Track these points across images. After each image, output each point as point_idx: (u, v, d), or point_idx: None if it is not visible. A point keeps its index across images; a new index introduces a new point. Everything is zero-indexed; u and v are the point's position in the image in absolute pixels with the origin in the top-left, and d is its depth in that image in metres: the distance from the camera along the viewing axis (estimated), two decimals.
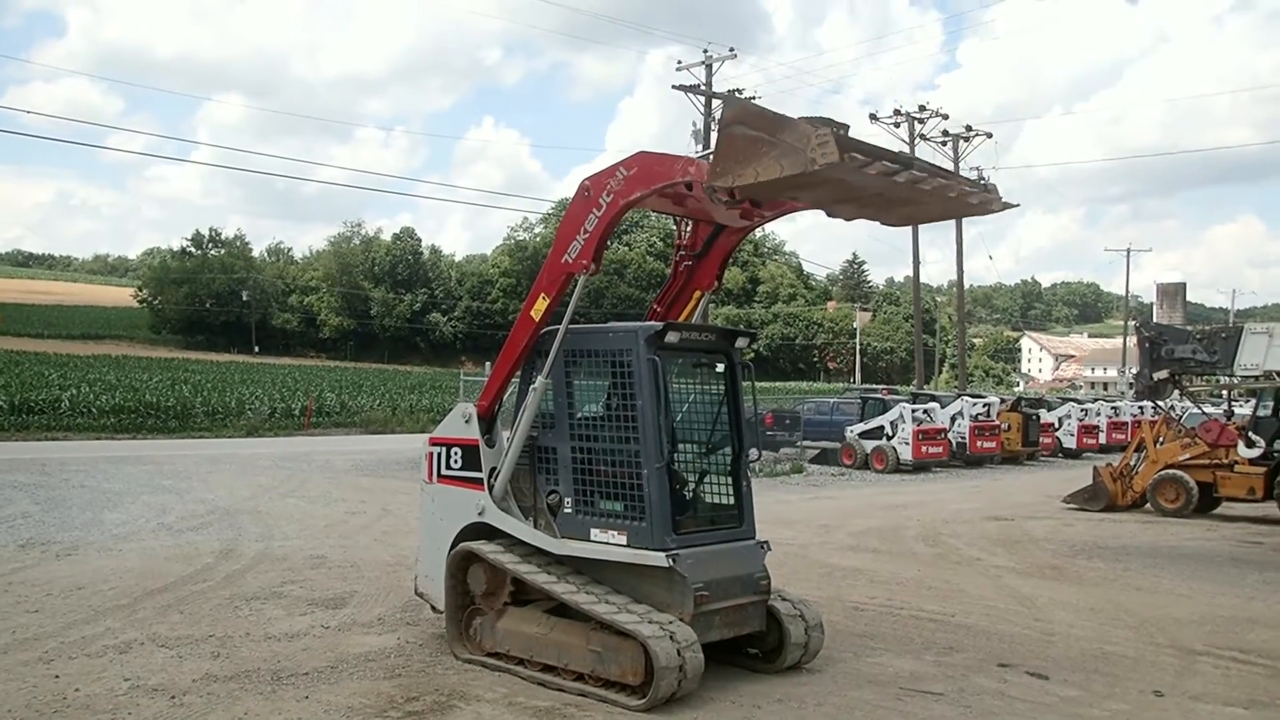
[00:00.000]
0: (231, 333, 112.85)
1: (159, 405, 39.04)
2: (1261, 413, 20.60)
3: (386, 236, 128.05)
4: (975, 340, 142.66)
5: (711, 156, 7.26)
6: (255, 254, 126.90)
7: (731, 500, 8.77)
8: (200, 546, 13.95)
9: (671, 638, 7.45)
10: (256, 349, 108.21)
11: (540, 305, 8.51)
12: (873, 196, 7.34)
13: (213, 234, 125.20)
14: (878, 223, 8.17)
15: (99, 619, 9.81)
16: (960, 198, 7.56)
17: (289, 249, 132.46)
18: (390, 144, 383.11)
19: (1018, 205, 8.31)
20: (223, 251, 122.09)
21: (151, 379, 52.82)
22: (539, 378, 8.46)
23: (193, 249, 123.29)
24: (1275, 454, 19.32)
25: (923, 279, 54.12)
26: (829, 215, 7.89)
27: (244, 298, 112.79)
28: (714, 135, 40.10)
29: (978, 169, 50.91)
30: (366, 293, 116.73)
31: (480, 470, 8.84)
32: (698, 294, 9.18)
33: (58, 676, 7.96)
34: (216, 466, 24.51)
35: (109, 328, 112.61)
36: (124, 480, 21.06)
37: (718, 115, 39.82)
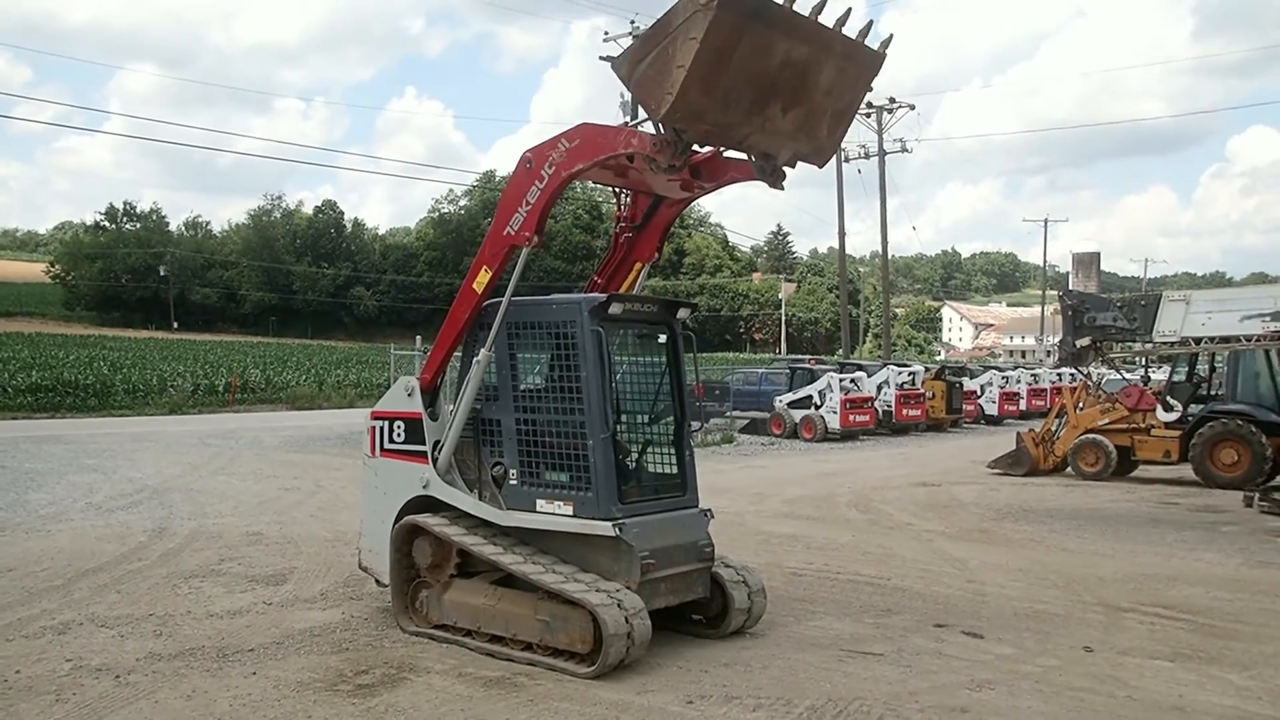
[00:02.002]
0: (149, 309, 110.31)
1: (77, 383, 38.21)
2: (1177, 378, 21.28)
3: (308, 209, 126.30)
4: (898, 310, 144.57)
5: (643, 112, 7.29)
6: (172, 228, 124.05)
7: (675, 469, 8.86)
8: (132, 525, 13.73)
9: (619, 605, 7.54)
10: (175, 325, 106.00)
11: (483, 278, 8.49)
12: (786, 80, 7.32)
13: (127, 207, 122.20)
14: (811, 158, 8.10)
15: (33, 600, 9.64)
16: (860, 46, 7.71)
17: (207, 223, 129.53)
18: (310, 115, 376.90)
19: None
20: (138, 225, 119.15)
21: (68, 356, 51.65)
22: (482, 350, 8.46)
23: (107, 223, 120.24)
24: (1190, 418, 19.98)
25: (847, 250, 54.69)
26: (768, 174, 7.93)
27: (161, 273, 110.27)
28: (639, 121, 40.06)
29: (900, 140, 51.59)
30: (288, 267, 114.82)
31: (424, 444, 8.82)
32: (638, 266, 9.24)
33: None
34: (141, 445, 24.07)
35: (20, 304, 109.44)
36: (46, 460, 20.60)
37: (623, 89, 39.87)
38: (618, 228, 9.32)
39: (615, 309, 8.25)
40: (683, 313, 9.04)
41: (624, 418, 8.97)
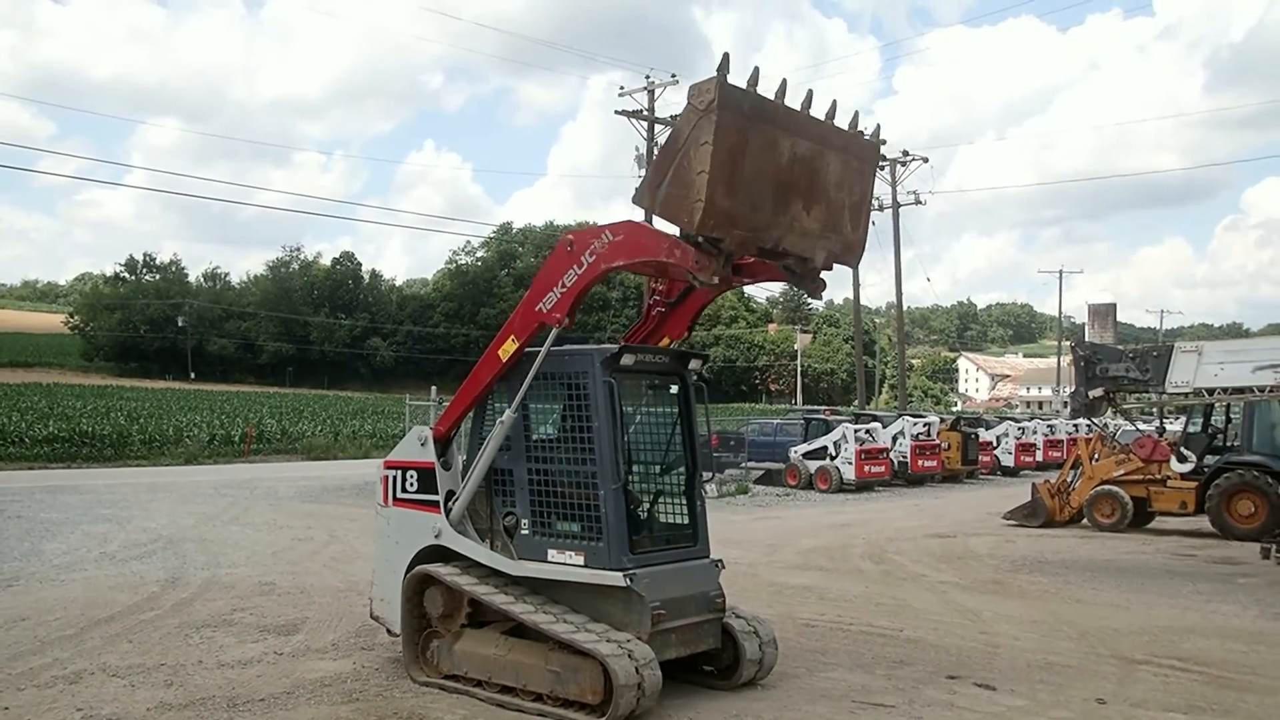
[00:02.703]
0: (166, 359, 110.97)
1: (94, 434, 38.40)
2: (1192, 429, 21.19)
3: (326, 261, 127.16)
4: (913, 361, 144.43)
5: (680, 233, 7.41)
6: (191, 279, 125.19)
7: (686, 520, 8.89)
8: (145, 575, 13.78)
9: (630, 656, 7.54)
10: (193, 375, 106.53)
11: (509, 347, 8.54)
12: (798, 178, 7.56)
13: (147, 259, 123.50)
14: (843, 257, 8.26)
15: (46, 650, 9.68)
16: (855, 137, 8.03)
17: (226, 274, 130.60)
18: (329, 168, 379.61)
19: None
20: (158, 277, 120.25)
21: (85, 407, 51.91)
22: (507, 411, 8.47)
23: (126, 274, 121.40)
24: (1205, 469, 19.87)
25: (862, 301, 54.84)
26: (806, 280, 8.11)
27: (180, 323, 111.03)
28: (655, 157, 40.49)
29: (914, 192, 51.90)
30: (305, 318, 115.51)
31: (437, 493, 8.88)
32: (666, 341, 9.22)
33: (7, 708, 7.86)
34: (156, 495, 24.17)
35: (39, 355, 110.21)
36: (61, 510, 20.70)
37: (660, 140, 40.20)
38: (651, 300, 9.37)
39: (627, 360, 8.33)
40: (694, 364, 9.11)
41: (635, 468, 9.04)
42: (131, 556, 15.36)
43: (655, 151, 39.64)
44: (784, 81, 7.40)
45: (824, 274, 8.16)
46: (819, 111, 7.72)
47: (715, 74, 6.94)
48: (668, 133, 7.12)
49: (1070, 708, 8.19)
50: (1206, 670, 9.46)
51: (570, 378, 8.38)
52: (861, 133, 8.16)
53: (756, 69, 7.17)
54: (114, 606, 11.71)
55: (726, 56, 7.00)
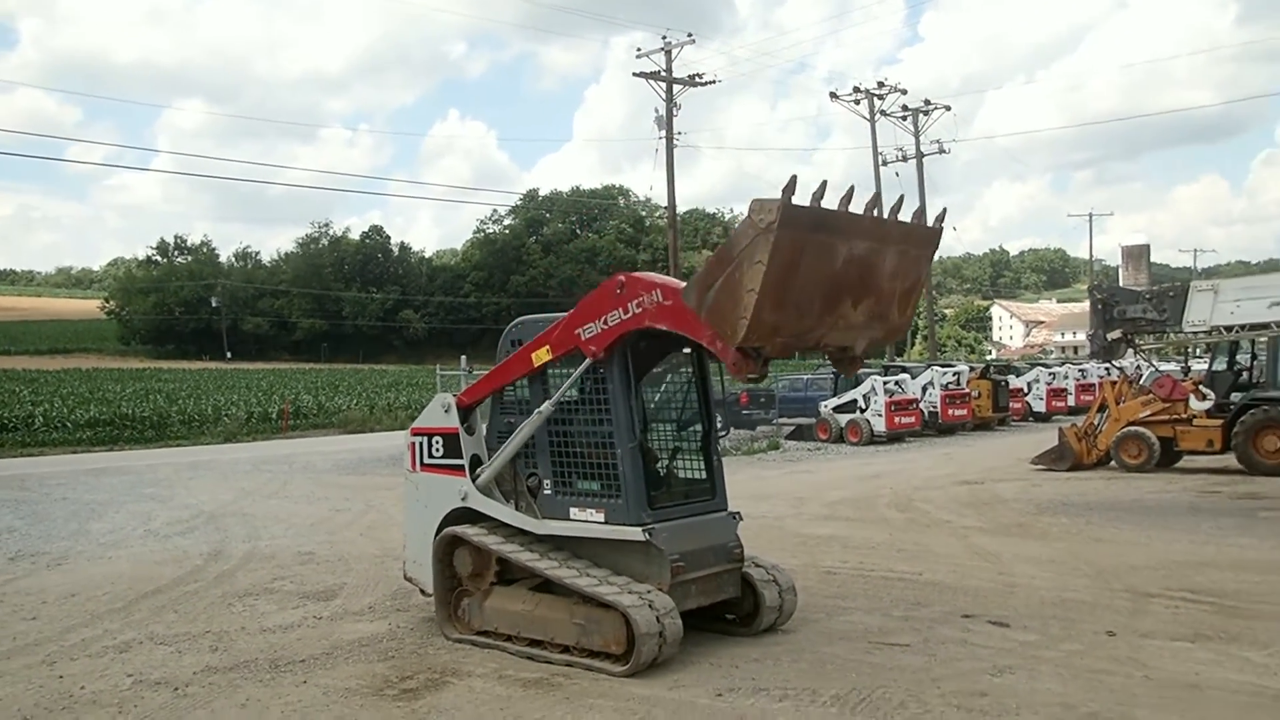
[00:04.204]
0: (202, 340, 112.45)
1: (134, 416, 39.23)
2: (1217, 367, 21.22)
3: (355, 235, 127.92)
4: (946, 311, 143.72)
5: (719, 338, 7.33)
6: (223, 259, 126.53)
7: (704, 475, 9.17)
8: (189, 550, 14.25)
9: (650, 606, 7.85)
10: (229, 355, 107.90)
11: (542, 354, 8.72)
12: (851, 277, 7.45)
13: (178, 241, 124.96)
14: (884, 340, 8.30)
15: (96, 622, 10.12)
16: (916, 228, 7.96)
17: (257, 253, 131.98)
18: (355, 142, 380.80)
19: (955, 228, 8.69)
20: (189, 258, 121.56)
21: (124, 390, 52.92)
22: (547, 404, 8.66)
23: (159, 257, 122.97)
24: (1230, 406, 19.92)
25: None
26: (844, 365, 8.28)
27: (213, 304, 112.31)
28: (674, 134, 40.47)
29: (938, 141, 51.62)
30: (337, 293, 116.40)
31: (461, 457, 9.21)
32: None
33: (62, 677, 8.28)
34: (197, 473, 24.74)
35: (77, 341, 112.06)
36: (105, 491, 21.28)
37: (678, 105, 40.15)
38: None
39: None
40: None
41: (653, 426, 9.30)
42: (175, 532, 15.85)
43: (673, 135, 39.63)
44: (850, 190, 7.22)
45: None
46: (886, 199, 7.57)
47: (780, 195, 6.75)
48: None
49: (1080, 640, 8.43)
50: (1218, 601, 9.66)
51: None
52: (922, 224, 8.07)
53: (824, 184, 7.00)
54: (159, 580, 12.15)
55: (794, 180, 6.80)
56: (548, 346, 8.71)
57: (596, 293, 8.44)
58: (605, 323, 8.26)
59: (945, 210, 8.34)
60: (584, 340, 8.39)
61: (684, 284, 7.73)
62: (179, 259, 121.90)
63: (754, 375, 7.59)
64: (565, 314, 8.79)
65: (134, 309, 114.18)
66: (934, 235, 8.28)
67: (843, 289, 7.49)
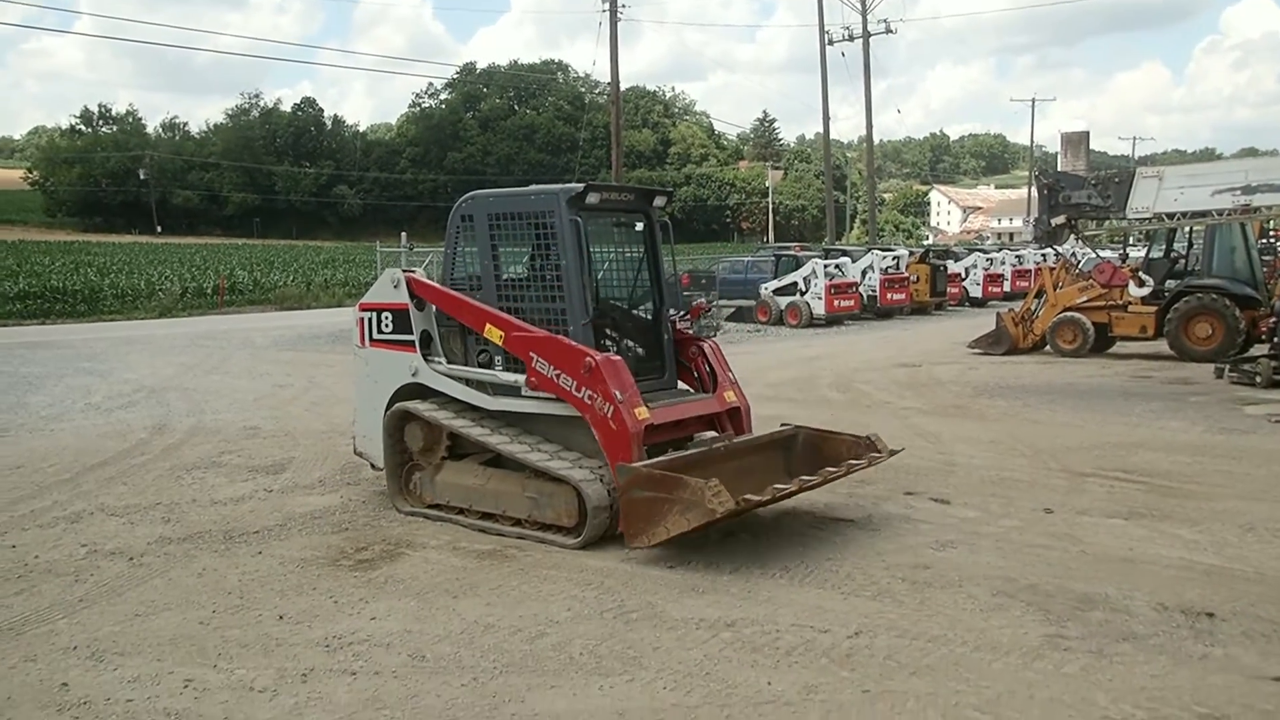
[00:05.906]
0: (131, 213, 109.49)
1: (65, 289, 38.44)
2: (1155, 254, 21.60)
3: (286, 107, 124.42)
4: (885, 195, 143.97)
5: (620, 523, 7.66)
6: (150, 130, 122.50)
7: (655, 353, 9.22)
8: (132, 423, 14.12)
9: (600, 480, 7.97)
10: (159, 229, 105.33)
11: (494, 332, 8.66)
12: None
13: (103, 110, 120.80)
14: None
15: (44, 494, 10.05)
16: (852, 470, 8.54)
17: (185, 124, 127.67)
18: (286, 8, 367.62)
19: (901, 450, 9.35)
20: (115, 129, 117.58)
21: (54, 263, 51.67)
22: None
23: (83, 127, 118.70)
24: (1165, 293, 20.34)
25: (833, 135, 54.48)
26: None
27: (141, 176, 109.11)
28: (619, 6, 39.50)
29: (885, 20, 51.03)
30: (269, 167, 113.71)
31: (412, 333, 9.17)
32: None
33: (14, 546, 8.26)
34: (134, 348, 24.40)
35: (1, 212, 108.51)
36: (41, 364, 20.94)
37: None
38: None
39: (593, 198, 8.52)
40: (659, 201, 9.30)
41: (603, 303, 9.30)
42: (116, 406, 15.68)
43: (617, 6, 38.65)
44: None
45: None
46: None
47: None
48: None
49: (1019, 517, 8.72)
50: (1150, 480, 10.01)
51: (537, 217, 8.57)
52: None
53: None
54: (105, 453, 12.07)
55: None
56: (500, 330, 8.60)
57: (566, 349, 8.23)
58: (556, 377, 8.24)
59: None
60: (530, 368, 8.39)
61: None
62: (104, 129, 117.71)
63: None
64: (517, 189, 8.74)
65: (58, 180, 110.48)
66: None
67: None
